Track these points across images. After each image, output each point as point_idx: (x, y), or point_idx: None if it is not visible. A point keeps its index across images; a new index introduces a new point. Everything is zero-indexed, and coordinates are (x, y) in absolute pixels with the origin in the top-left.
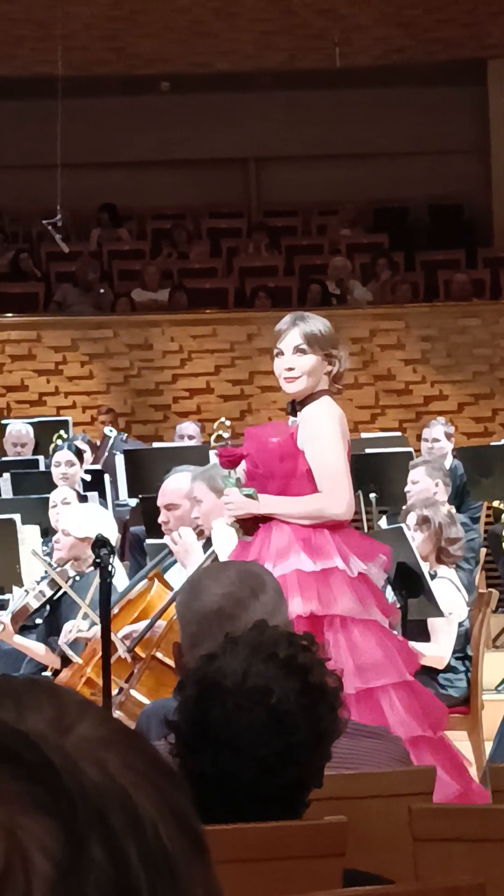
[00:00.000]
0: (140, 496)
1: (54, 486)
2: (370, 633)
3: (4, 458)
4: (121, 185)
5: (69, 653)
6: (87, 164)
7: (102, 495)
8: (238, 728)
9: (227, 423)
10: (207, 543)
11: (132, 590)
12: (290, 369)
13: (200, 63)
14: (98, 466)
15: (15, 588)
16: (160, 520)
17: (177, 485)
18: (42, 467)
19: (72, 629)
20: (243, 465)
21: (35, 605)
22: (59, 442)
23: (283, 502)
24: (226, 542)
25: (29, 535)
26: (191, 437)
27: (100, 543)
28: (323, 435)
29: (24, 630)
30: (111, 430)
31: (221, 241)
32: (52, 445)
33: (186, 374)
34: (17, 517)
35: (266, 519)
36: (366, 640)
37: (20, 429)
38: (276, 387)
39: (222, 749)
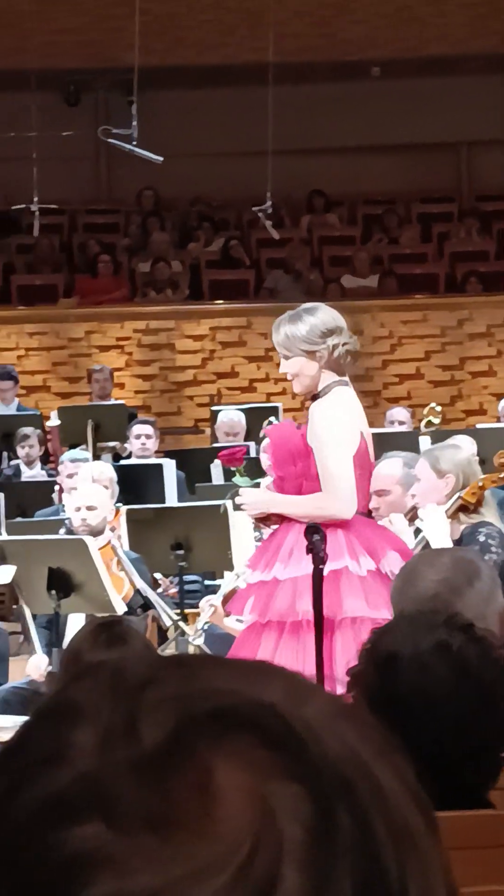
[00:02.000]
0: None
1: (264, 473)
2: None
3: (216, 445)
4: (331, 170)
5: None
6: (298, 151)
7: None
8: (426, 686)
9: (438, 408)
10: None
11: None
12: (285, 374)
13: (411, 48)
14: None
15: (226, 573)
16: (371, 506)
17: (388, 470)
18: (252, 453)
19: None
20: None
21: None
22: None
23: (288, 501)
24: (437, 527)
25: (240, 522)
26: (401, 423)
27: (312, 530)
28: (323, 435)
29: None
30: None
31: (432, 225)
32: (262, 432)
33: (397, 360)
34: (228, 503)
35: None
36: None
37: (232, 417)
38: (487, 372)
39: (413, 711)
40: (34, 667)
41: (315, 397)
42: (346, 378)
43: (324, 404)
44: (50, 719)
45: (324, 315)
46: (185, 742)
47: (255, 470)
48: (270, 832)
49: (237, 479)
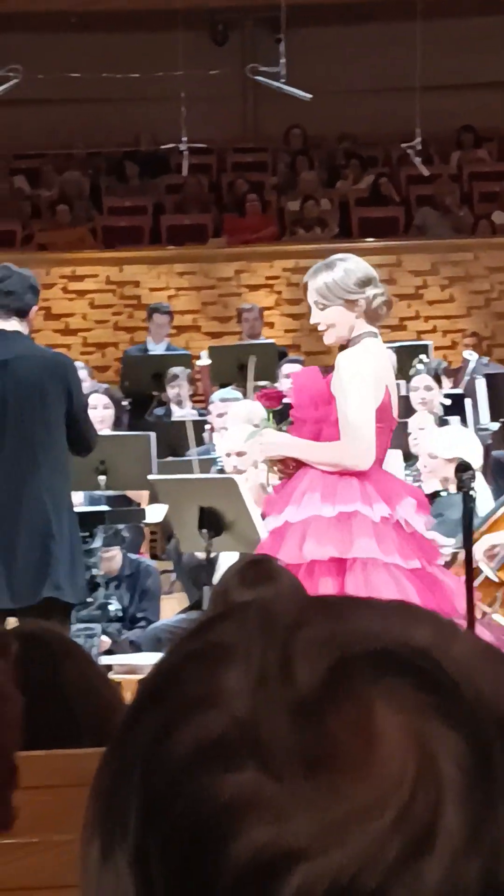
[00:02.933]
0: (502, 420)
1: (414, 412)
2: (390, 576)
3: None
4: (481, 105)
5: None
6: (447, 86)
7: (463, 420)
8: None
9: None
10: None
11: (496, 513)
12: (317, 323)
13: None
14: (459, 391)
15: None
16: None
17: None
18: (403, 392)
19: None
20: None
21: None
22: (419, 366)
23: (307, 447)
24: None
25: (392, 460)
26: None
27: (462, 468)
28: (347, 386)
29: None
30: (471, 354)
31: None
32: (412, 370)
33: None
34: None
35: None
36: (384, 583)
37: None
38: None
39: None
40: None
41: (342, 347)
42: (377, 329)
43: (351, 354)
44: (199, 660)
45: (358, 264)
46: (342, 683)
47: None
48: (430, 773)
49: (262, 423)
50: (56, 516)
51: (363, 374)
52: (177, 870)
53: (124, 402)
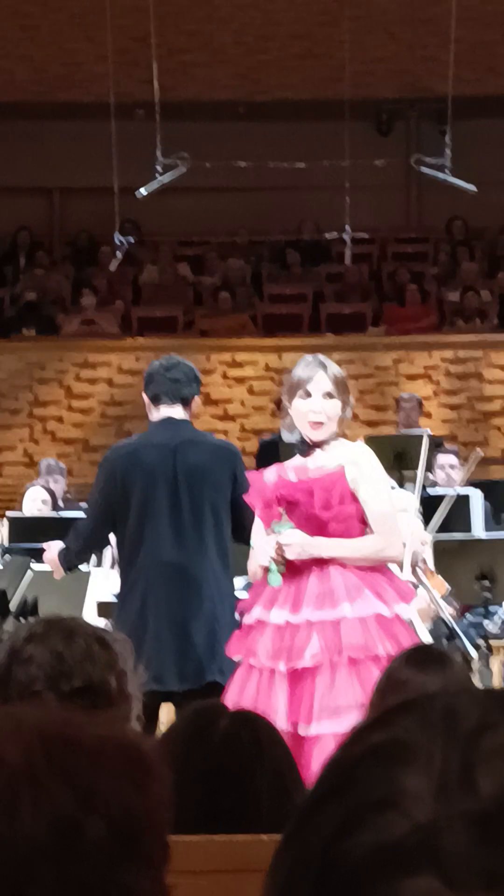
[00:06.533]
0: None
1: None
2: None
3: None
4: None
5: None
6: None
7: None
8: None
9: None
10: None
11: None
12: (318, 412)
13: None
14: None
15: None
16: None
17: None
18: None
19: None
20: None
21: None
22: None
23: (343, 545)
24: None
25: None
26: None
27: None
28: (382, 478)
29: None
30: None
31: None
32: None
33: None
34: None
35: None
36: None
37: None
38: None
39: None
40: None
41: (314, 445)
42: None
43: (365, 449)
44: (381, 757)
45: None
46: None
47: None
48: None
49: (280, 526)
50: (220, 601)
51: (380, 468)
52: None
53: None
